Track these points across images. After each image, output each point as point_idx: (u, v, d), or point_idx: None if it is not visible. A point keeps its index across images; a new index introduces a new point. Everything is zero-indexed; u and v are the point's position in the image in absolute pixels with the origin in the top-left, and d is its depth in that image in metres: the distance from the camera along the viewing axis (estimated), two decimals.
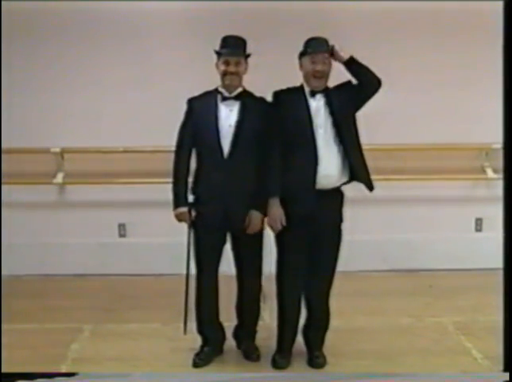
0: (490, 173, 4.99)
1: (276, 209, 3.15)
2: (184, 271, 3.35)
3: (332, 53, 3.14)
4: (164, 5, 4.75)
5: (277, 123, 3.15)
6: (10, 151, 4.76)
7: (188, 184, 3.27)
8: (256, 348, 3.46)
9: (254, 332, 3.49)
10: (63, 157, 4.91)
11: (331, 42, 3.17)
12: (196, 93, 3.29)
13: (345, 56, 3.10)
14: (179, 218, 3.28)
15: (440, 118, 4.90)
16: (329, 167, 3.12)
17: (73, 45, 4.81)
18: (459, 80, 4.87)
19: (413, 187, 4.98)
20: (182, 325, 3.37)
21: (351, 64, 3.10)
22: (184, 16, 4.80)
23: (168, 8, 4.78)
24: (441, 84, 4.87)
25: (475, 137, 4.88)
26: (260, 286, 3.40)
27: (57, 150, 4.86)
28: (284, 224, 3.15)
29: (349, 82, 3.19)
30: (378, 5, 4.66)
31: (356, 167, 3.19)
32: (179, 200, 3.25)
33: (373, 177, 4.66)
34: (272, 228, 3.19)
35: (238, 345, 3.51)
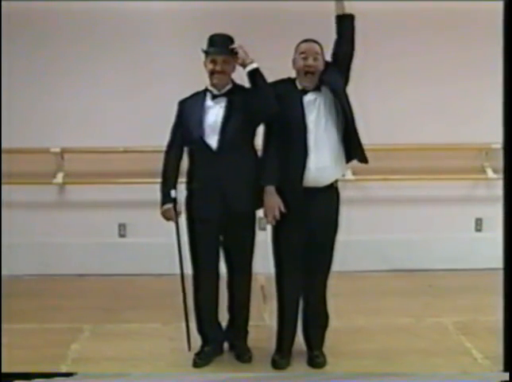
0: (490, 173, 4.99)
1: (272, 197, 3.15)
2: (185, 271, 3.35)
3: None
4: (164, 5, 4.76)
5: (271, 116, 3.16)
6: (10, 151, 4.76)
7: (178, 183, 3.28)
8: (248, 350, 3.44)
9: (246, 333, 3.48)
10: (63, 157, 4.91)
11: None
12: None
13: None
14: (165, 215, 3.29)
15: (440, 118, 4.91)
16: (322, 159, 3.13)
17: (73, 46, 4.82)
18: (459, 80, 4.87)
19: (412, 187, 4.98)
20: (183, 324, 3.38)
21: (346, 20, 3.17)
22: (184, 17, 4.80)
23: (169, 8, 4.79)
24: (441, 84, 4.87)
25: (475, 137, 4.88)
26: (249, 287, 3.39)
27: (57, 150, 4.86)
28: (283, 210, 3.15)
29: (326, 63, 3.21)
30: (375, 5, 4.66)
31: (351, 145, 3.20)
32: (164, 198, 3.27)
33: (373, 177, 4.72)
34: (270, 217, 3.17)
35: (231, 347, 3.50)
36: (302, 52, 3.15)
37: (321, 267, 3.29)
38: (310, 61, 3.13)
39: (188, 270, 3.33)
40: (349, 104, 3.19)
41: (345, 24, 3.17)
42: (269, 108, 3.11)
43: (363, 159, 3.27)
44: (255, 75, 3.09)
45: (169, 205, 3.26)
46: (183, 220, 3.32)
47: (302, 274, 3.27)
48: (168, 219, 3.30)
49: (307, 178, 3.13)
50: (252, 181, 3.19)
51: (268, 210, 3.17)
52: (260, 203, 3.21)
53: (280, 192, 3.16)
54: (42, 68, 4.86)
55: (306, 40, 3.19)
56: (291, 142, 3.14)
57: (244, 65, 3.10)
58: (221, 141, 3.16)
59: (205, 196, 3.22)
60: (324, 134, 3.14)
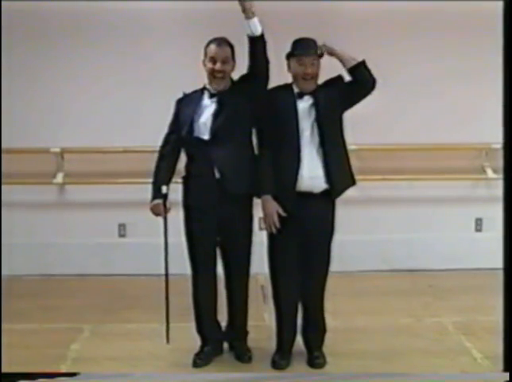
0: (490, 173, 4.99)
1: (269, 204, 3.15)
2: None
3: (321, 55, 3.14)
4: (165, 5, 4.75)
5: (266, 122, 3.15)
6: (10, 151, 4.76)
7: (171, 182, 3.29)
8: (248, 350, 3.44)
9: (245, 333, 3.48)
10: (63, 157, 4.91)
11: (328, 41, 3.17)
12: None
13: (338, 49, 3.12)
14: (153, 210, 3.28)
15: (440, 118, 4.90)
16: (314, 169, 3.12)
17: (74, 46, 4.81)
18: (458, 80, 4.87)
19: (413, 187, 4.98)
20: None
21: (359, 68, 3.10)
22: (185, 16, 4.80)
23: (169, 8, 4.79)
24: (441, 84, 4.87)
25: (475, 137, 4.88)
26: (247, 286, 3.39)
27: (57, 150, 4.86)
28: (282, 213, 3.14)
29: (340, 78, 3.19)
30: (375, 5, 4.66)
31: (332, 172, 3.15)
32: (155, 193, 3.27)
33: (373, 177, 4.72)
34: (269, 224, 3.16)
35: (231, 347, 3.49)
36: (299, 59, 3.12)
37: (318, 271, 3.28)
38: (309, 69, 3.12)
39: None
40: (342, 130, 3.18)
41: (358, 72, 3.09)
42: (265, 66, 3.07)
43: (335, 193, 3.20)
44: (257, 43, 3.02)
45: (159, 201, 3.25)
46: (172, 216, 3.31)
47: (299, 278, 3.26)
48: (156, 214, 3.28)
49: (300, 185, 3.13)
50: (247, 165, 3.18)
51: (267, 217, 3.17)
52: (255, 189, 3.20)
53: (274, 197, 3.16)
54: (42, 68, 4.85)
55: (302, 40, 3.15)
56: (284, 147, 3.12)
57: (246, 13, 2.99)
58: (213, 130, 3.15)
59: (201, 184, 3.21)
60: (318, 141, 3.13)
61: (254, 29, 3.01)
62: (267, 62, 3.08)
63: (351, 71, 3.11)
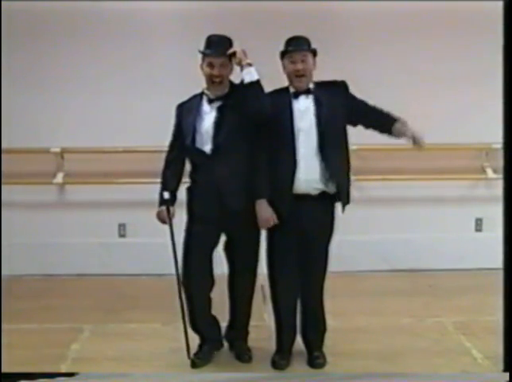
0: (490, 173, 5.00)
1: (265, 209, 3.14)
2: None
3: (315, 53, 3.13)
4: (165, 5, 4.75)
5: (263, 125, 3.13)
6: (10, 151, 4.76)
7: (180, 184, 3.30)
8: (248, 349, 3.43)
9: (246, 333, 3.47)
10: (63, 157, 4.91)
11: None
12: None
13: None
14: (158, 217, 3.30)
15: (440, 118, 4.90)
16: (310, 172, 3.10)
17: (73, 46, 4.82)
18: (458, 80, 4.87)
19: (413, 187, 4.98)
20: (182, 324, 3.37)
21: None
22: (185, 16, 4.80)
23: (169, 8, 4.79)
24: (441, 84, 4.87)
25: (475, 137, 4.88)
26: (253, 287, 3.38)
27: (57, 150, 4.87)
28: (276, 221, 3.14)
29: (344, 85, 3.19)
30: (375, 5, 4.66)
31: (335, 177, 3.14)
32: (160, 200, 3.28)
33: (373, 177, 4.72)
34: (263, 229, 3.19)
35: (231, 347, 3.49)
36: (290, 57, 3.11)
37: (317, 271, 3.28)
38: (299, 66, 3.10)
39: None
40: (345, 134, 3.18)
41: (384, 132, 3.23)
42: (261, 110, 3.06)
43: (344, 200, 3.21)
44: (254, 86, 3.04)
45: (162, 207, 3.27)
46: (177, 221, 3.30)
47: (297, 278, 3.25)
48: (162, 221, 3.30)
49: (297, 187, 3.11)
50: (249, 180, 3.16)
51: (262, 223, 3.17)
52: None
53: (270, 200, 3.14)
54: (42, 68, 4.85)
55: (294, 38, 3.14)
56: (280, 149, 3.10)
57: (241, 66, 3.06)
58: (214, 145, 3.14)
59: (204, 198, 3.21)
60: (316, 143, 3.11)
61: (249, 78, 3.04)
62: (262, 91, 3.07)
63: (391, 131, 3.21)
